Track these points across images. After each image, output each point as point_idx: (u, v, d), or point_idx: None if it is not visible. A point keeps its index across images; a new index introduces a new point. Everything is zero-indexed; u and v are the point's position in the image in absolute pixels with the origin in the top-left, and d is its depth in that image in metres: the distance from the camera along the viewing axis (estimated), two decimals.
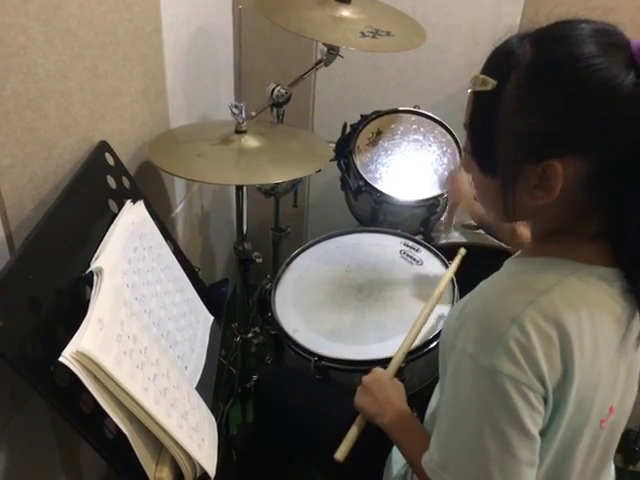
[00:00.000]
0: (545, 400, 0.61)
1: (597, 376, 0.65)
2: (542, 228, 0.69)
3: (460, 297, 1.18)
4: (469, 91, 0.66)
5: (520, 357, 0.59)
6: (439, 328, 1.11)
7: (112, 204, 0.92)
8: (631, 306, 0.66)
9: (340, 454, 0.87)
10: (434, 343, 1.09)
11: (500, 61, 0.63)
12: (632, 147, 0.58)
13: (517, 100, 0.60)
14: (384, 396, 0.90)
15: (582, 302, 0.63)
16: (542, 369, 0.59)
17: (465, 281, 1.20)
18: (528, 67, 0.60)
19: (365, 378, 0.94)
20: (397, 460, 0.90)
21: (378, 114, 1.51)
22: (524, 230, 1.03)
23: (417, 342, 1.08)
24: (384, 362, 1.06)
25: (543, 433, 0.63)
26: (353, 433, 0.89)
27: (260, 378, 1.25)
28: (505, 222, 0.71)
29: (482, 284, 0.71)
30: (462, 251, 1.25)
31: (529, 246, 0.74)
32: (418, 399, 0.96)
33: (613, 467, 0.84)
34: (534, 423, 0.61)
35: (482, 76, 0.63)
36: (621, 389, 0.70)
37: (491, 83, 0.62)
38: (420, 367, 1.10)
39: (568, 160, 0.59)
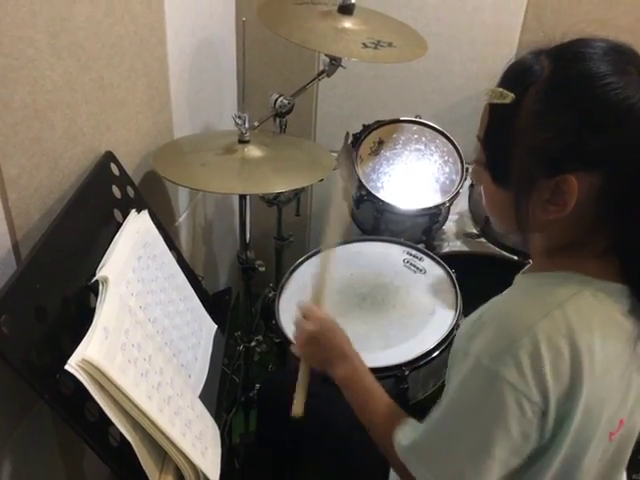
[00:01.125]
0: (543, 413, 0.62)
1: (607, 390, 0.65)
2: (552, 242, 0.70)
3: (463, 304, 1.18)
4: (485, 103, 0.67)
5: (527, 369, 0.60)
6: (440, 336, 1.11)
7: (117, 214, 0.93)
8: (637, 324, 0.66)
9: (297, 409, 0.85)
10: (437, 352, 1.09)
11: (518, 75, 0.64)
12: None
13: (535, 114, 0.61)
14: (334, 345, 0.86)
15: (595, 316, 0.63)
16: (547, 383, 0.60)
17: (468, 288, 1.20)
18: (547, 82, 0.61)
19: (310, 325, 0.88)
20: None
21: (380, 124, 1.53)
22: None
23: (420, 351, 1.08)
24: (388, 370, 1.06)
25: (546, 445, 0.64)
26: (304, 384, 0.86)
27: (265, 383, 1.25)
28: (515, 233, 0.71)
29: (497, 298, 0.71)
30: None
31: (538, 261, 0.74)
32: (421, 408, 0.96)
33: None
34: (521, 432, 0.62)
35: (500, 89, 0.64)
36: (632, 403, 0.70)
37: (510, 96, 0.63)
38: (423, 376, 1.10)
39: (582, 175, 0.60)
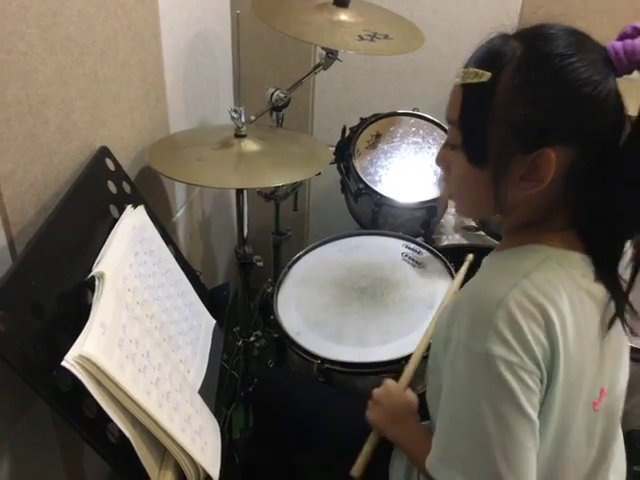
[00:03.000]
0: (541, 381, 0.63)
1: (583, 356, 0.66)
2: (518, 220, 0.71)
3: None
4: (458, 85, 0.68)
5: (510, 338, 0.61)
6: None
7: (113, 209, 0.93)
8: (605, 289, 0.68)
9: (356, 470, 0.88)
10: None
11: (492, 56, 0.65)
12: (611, 141, 0.63)
13: (512, 91, 0.63)
14: (393, 410, 0.91)
15: (561, 283, 0.65)
16: (533, 348, 0.61)
17: (466, 281, 1.20)
18: (521, 60, 0.63)
19: (375, 391, 0.94)
20: (402, 455, 0.90)
21: (377, 117, 1.52)
22: None
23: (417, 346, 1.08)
24: (387, 364, 1.06)
25: (539, 415, 0.64)
26: (367, 449, 0.90)
27: (260, 380, 1.24)
28: (490, 215, 0.73)
29: (468, 282, 0.73)
30: (470, 257, 1.22)
31: (503, 240, 0.77)
32: (420, 402, 0.96)
33: (623, 460, 0.84)
34: (531, 405, 0.62)
35: (474, 69, 0.65)
36: (610, 371, 0.72)
37: (487, 75, 0.64)
38: (423, 370, 1.10)
39: (558, 149, 0.63)
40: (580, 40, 0.64)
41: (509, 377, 0.60)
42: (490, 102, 0.64)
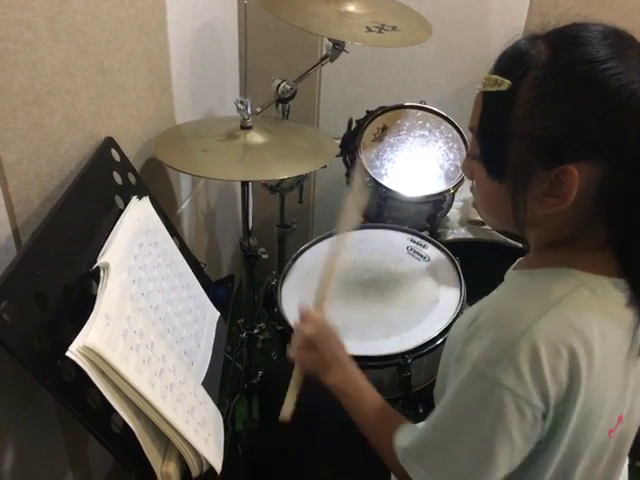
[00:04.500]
0: (544, 415, 0.61)
1: (606, 387, 0.64)
2: (547, 238, 0.67)
3: (467, 292, 1.17)
4: (478, 91, 0.64)
5: (526, 373, 0.58)
6: (443, 324, 1.10)
7: (118, 200, 0.93)
8: (636, 316, 0.65)
9: (285, 413, 0.83)
10: (440, 340, 1.08)
11: (514, 61, 0.61)
12: None
13: (533, 102, 0.59)
14: (329, 350, 0.83)
15: (593, 313, 0.62)
16: (547, 386, 0.59)
17: (472, 276, 1.19)
18: (545, 68, 0.59)
19: (306, 328, 0.85)
20: None
21: (384, 110, 1.51)
22: None
23: (423, 339, 1.08)
24: (391, 358, 1.06)
25: (544, 444, 0.63)
26: (294, 389, 0.85)
27: (267, 371, 1.24)
28: (511, 230, 0.69)
29: (491, 296, 0.70)
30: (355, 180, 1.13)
31: (531, 257, 0.72)
32: (425, 395, 0.96)
33: (626, 474, 0.84)
34: (522, 434, 0.61)
35: (495, 76, 0.62)
36: (630, 398, 0.69)
37: (506, 83, 0.60)
38: (426, 364, 1.10)
39: (583, 165, 0.58)
40: (617, 43, 0.58)
41: (509, 406, 0.59)
42: (509, 113, 0.60)
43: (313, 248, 1.34)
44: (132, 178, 0.99)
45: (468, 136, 1.48)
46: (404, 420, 0.76)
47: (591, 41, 0.58)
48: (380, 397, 0.81)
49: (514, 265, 0.76)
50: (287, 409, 0.83)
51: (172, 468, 0.73)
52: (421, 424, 0.72)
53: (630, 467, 0.88)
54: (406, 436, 0.71)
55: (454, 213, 1.56)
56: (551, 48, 0.59)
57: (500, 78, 0.61)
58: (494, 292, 0.70)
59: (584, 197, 0.60)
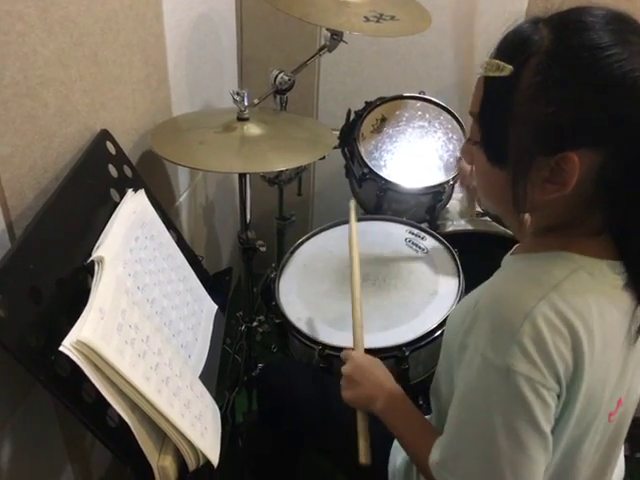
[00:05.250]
0: (558, 396, 0.61)
1: (606, 369, 0.64)
2: (545, 222, 0.68)
3: (466, 284, 1.17)
4: (479, 76, 0.63)
5: (535, 355, 0.58)
6: (442, 316, 1.10)
7: (114, 193, 0.92)
8: (633, 299, 0.65)
9: (364, 457, 0.84)
10: (438, 332, 1.08)
11: (517, 46, 0.60)
12: None
13: (535, 88, 0.58)
14: (370, 381, 0.86)
15: (591, 296, 0.62)
16: (557, 365, 0.59)
17: (471, 268, 1.19)
18: (547, 54, 0.58)
19: (345, 368, 0.90)
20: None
21: (383, 100, 1.50)
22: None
23: (421, 331, 1.07)
24: (389, 350, 1.06)
25: (552, 429, 0.63)
26: (363, 430, 0.86)
27: (265, 365, 1.24)
28: (511, 214, 0.69)
29: (489, 282, 0.70)
30: (352, 203, 1.17)
31: (529, 241, 0.73)
32: (423, 387, 0.96)
33: (622, 458, 0.84)
34: (547, 421, 0.60)
35: (496, 61, 0.61)
36: (629, 381, 0.69)
37: (508, 69, 0.59)
38: (424, 356, 1.10)
39: (584, 152, 0.58)
40: (621, 29, 0.58)
41: (529, 394, 0.58)
42: (511, 99, 0.59)
43: (312, 240, 1.33)
44: (128, 171, 0.98)
45: (468, 126, 1.46)
46: (438, 433, 0.72)
47: (594, 26, 0.57)
48: (422, 419, 0.81)
49: (511, 251, 0.76)
50: (365, 453, 0.84)
51: (168, 462, 0.72)
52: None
53: (629, 458, 0.88)
54: (436, 449, 0.68)
55: (454, 204, 1.55)
56: (554, 33, 0.59)
57: (502, 63, 0.60)
58: (491, 278, 0.70)
59: (583, 183, 0.60)
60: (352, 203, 1.16)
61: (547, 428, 0.60)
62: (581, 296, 0.61)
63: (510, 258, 0.74)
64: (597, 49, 0.56)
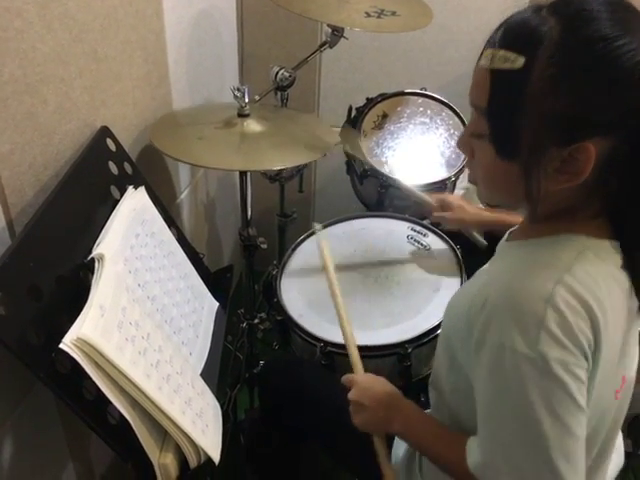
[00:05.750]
0: (587, 371, 0.62)
1: (615, 347, 0.65)
2: (547, 210, 0.67)
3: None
4: (485, 68, 0.62)
5: (563, 338, 0.59)
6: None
7: (114, 190, 0.92)
8: (629, 278, 0.66)
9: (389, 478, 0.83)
10: (440, 330, 1.07)
11: (525, 37, 0.59)
12: None
13: (548, 80, 0.57)
14: (379, 402, 0.84)
15: (599, 275, 0.63)
16: (583, 344, 0.60)
17: (474, 265, 1.18)
18: (558, 45, 0.57)
19: (352, 394, 0.86)
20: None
21: (384, 97, 1.49)
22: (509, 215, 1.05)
23: (423, 328, 1.07)
24: (391, 347, 1.05)
25: None
26: (382, 453, 0.84)
27: (267, 362, 1.24)
28: (521, 207, 0.69)
29: (486, 273, 0.70)
30: (317, 227, 1.16)
31: (526, 228, 0.73)
32: (425, 385, 0.95)
33: (621, 444, 0.84)
34: (583, 396, 0.61)
35: (504, 52, 0.60)
36: (630, 358, 0.72)
37: (520, 61, 0.58)
38: (426, 353, 1.09)
39: (597, 141, 0.58)
40: (626, 18, 0.58)
41: (566, 377, 0.59)
42: (524, 92, 0.58)
43: (313, 237, 1.33)
44: (128, 168, 0.98)
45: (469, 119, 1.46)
46: (464, 436, 0.71)
47: (600, 15, 0.57)
48: (442, 428, 0.79)
49: (505, 237, 0.76)
50: (390, 475, 0.83)
51: (169, 459, 0.72)
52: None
53: (632, 454, 0.88)
54: (475, 451, 0.67)
55: None
56: (561, 24, 0.58)
57: (513, 54, 0.59)
58: (488, 267, 0.70)
59: (592, 171, 0.60)
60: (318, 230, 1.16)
61: (584, 403, 0.61)
62: (592, 276, 0.62)
63: (507, 244, 0.74)
64: (607, 40, 0.56)
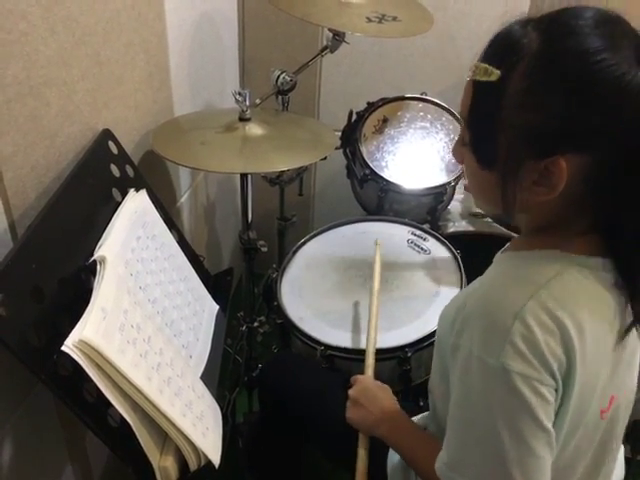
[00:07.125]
0: (556, 391, 0.61)
1: (598, 366, 0.64)
2: (536, 223, 0.68)
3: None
4: (468, 79, 0.64)
5: (527, 352, 0.58)
6: None
7: (116, 193, 0.92)
8: (623, 297, 0.65)
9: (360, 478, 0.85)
10: None
11: (505, 50, 0.60)
12: (635, 145, 0.57)
13: (523, 93, 0.58)
14: (376, 405, 0.89)
15: (582, 292, 0.63)
16: (550, 362, 0.59)
17: (473, 269, 1.18)
18: (536, 59, 0.58)
19: (352, 391, 0.92)
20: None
21: (384, 101, 1.50)
22: None
23: (423, 333, 1.07)
24: (391, 351, 1.06)
25: (553, 424, 0.63)
26: (362, 454, 0.87)
27: (266, 364, 1.24)
28: (500, 215, 0.69)
29: (478, 281, 0.70)
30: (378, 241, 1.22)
31: (520, 240, 0.73)
32: (425, 389, 0.96)
33: (622, 458, 0.83)
34: (547, 417, 0.60)
35: (484, 65, 0.61)
36: (621, 378, 0.70)
37: (496, 74, 0.59)
38: (426, 357, 1.09)
39: (572, 157, 0.58)
40: (610, 32, 0.57)
41: (526, 391, 0.58)
42: (499, 104, 0.59)
43: (313, 241, 1.33)
44: (130, 171, 0.98)
45: None
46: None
47: (583, 30, 0.57)
48: (425, 435, 0.82)
49: (503, 248, 0.77)
50: (361, 475, 0.85)
51: (170, 462, 0.72)
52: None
53: (631, 460, 0.88)
54: (443, 451, 0.68)
55: (455, 206, 1.55)
56: (542, 37, 0.58)
57: (490, 68, 0.60)
58: (481, 277, 0.70)
59: (573, 185, 0.60)
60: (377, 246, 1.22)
61: (549, 424, 0.60)
62: (571, 293, 0.62)
63: (501, 256, 0.74)
64: (587, 54, 0.55)
